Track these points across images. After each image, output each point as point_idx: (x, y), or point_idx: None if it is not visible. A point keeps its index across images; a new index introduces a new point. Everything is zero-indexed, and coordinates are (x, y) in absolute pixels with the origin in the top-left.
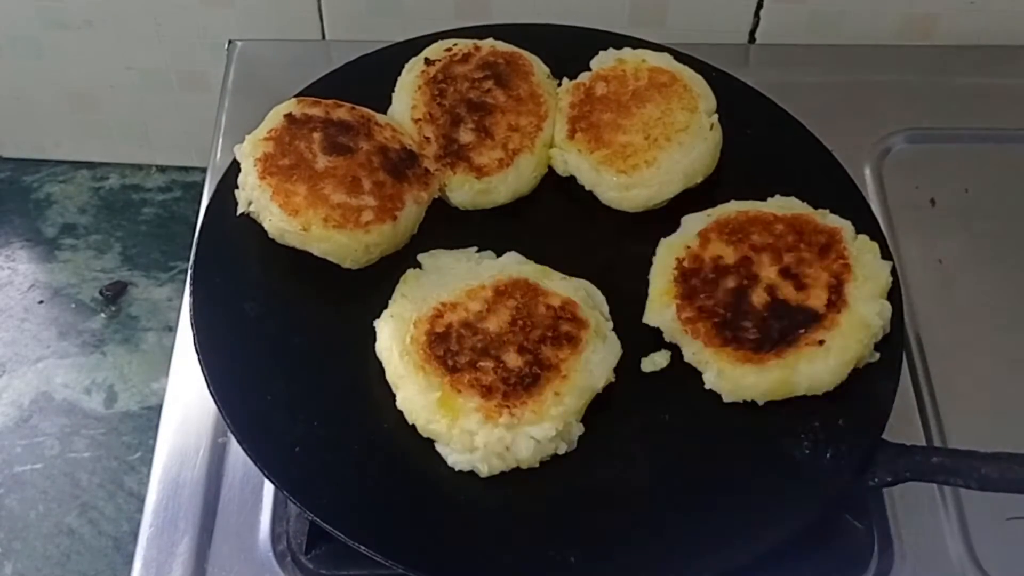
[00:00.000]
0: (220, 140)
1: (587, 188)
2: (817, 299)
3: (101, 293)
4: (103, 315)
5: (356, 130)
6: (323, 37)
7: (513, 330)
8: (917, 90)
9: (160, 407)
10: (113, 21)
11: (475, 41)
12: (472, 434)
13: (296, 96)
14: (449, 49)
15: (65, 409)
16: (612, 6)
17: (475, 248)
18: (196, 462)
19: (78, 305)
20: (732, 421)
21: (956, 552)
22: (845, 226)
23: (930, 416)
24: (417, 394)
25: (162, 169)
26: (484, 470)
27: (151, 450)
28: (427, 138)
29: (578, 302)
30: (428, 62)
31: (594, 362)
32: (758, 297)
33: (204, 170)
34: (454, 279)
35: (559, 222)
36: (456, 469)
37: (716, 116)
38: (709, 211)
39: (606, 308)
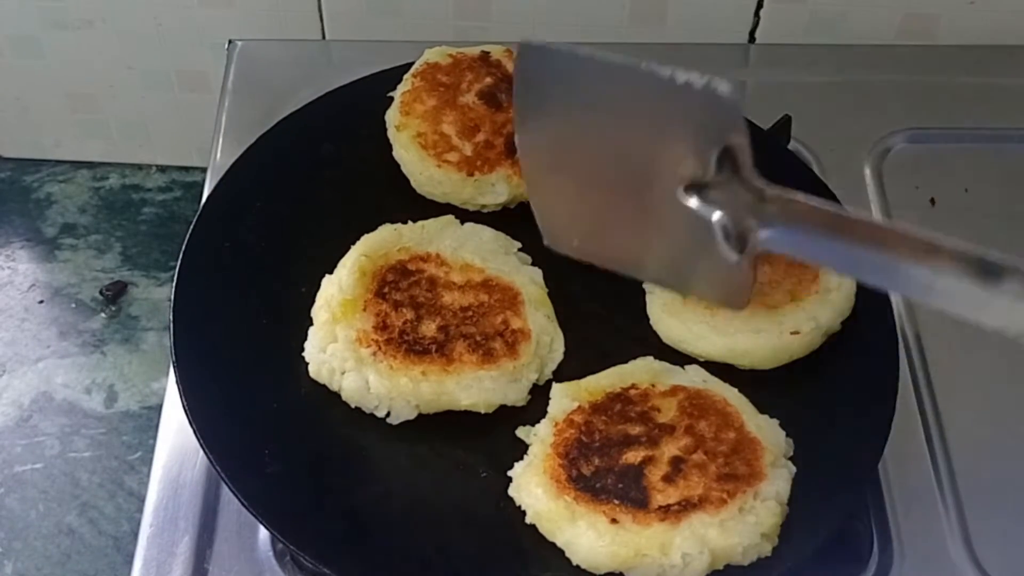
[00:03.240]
0: (220, 140)
1: None
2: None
3: (101, 293)
4: (103, 315)
5: None
6: (323, 37)
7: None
8: (917, 90)
9: (160, 407)
10: (113, 21)
11: None
12: None
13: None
14: None
15: (65, 409)
16: (612, 5)
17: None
18: (196, 462)
19: (78, 305)
20: None
21: (956, 552)
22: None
23: (930, 416)
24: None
25: (162, 169)
26: None
27: (151, 450)
28: None
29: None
30: None
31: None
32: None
33: (204, 170)
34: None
35: None
36: None
37: None
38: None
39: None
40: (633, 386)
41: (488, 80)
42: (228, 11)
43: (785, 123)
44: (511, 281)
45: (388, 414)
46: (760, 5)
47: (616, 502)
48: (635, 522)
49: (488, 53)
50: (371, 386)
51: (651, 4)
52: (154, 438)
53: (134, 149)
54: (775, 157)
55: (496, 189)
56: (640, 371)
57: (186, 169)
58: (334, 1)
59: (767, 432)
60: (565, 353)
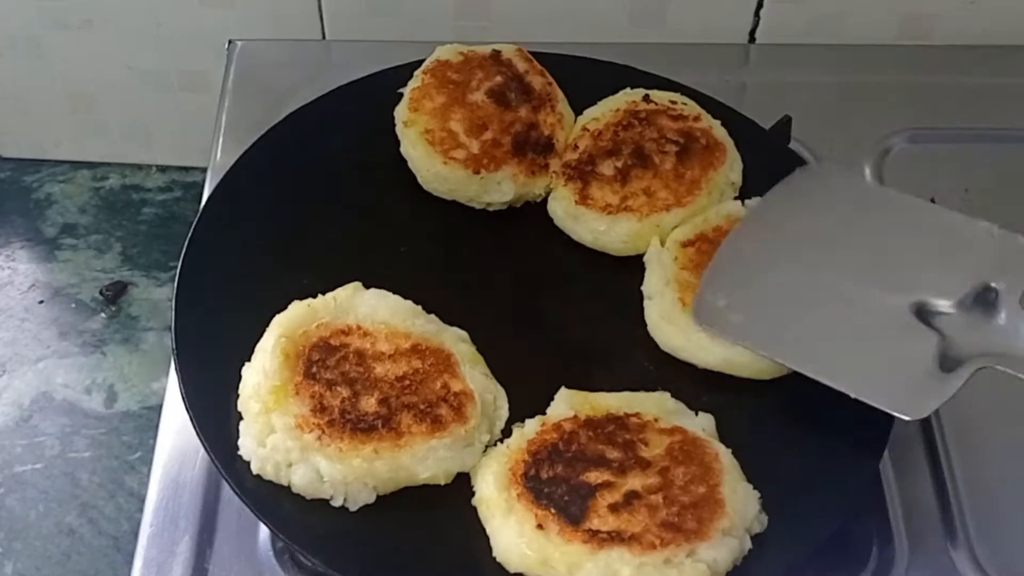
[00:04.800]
0: (220, 140)
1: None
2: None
3: (101, 293)
4: (103, 315)
5: (530, 96)
6: (323, 37)
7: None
8: (917, 90)
9: (160, 407)
10: (113, 21)
11: (703, 111)
12: None
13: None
14: (674, 102)
15: (65, 409)
16: (612, 5)
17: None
18: (196, 462)
19: (78, 305)
20: None
21: (956, 552)
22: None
23: (930, 417)
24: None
25: (162, 169)
26: None
27: (151, 450)
28: (575, 146)
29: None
30: (646, 99)
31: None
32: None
33: (204, 170)
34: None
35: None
36: None
37: None
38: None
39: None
40: (637, 415)
41: (498, 79)
42: (228, 11)
43: (785, 124)
44: (440, 342)
45: (345, 501)
46: (760, 5)
47: (552, 511)
48: (559, 535)
49: (499, 52)
50: (324, 474)
51: (651, 4)
52: (154, 438)
53: (134, 149)
54: (775, 156)
55: (502, 187)
56: (651, 403)
57: (186, 169)
58: (334, 1)
59: (739, 499)
60: (562, 360)
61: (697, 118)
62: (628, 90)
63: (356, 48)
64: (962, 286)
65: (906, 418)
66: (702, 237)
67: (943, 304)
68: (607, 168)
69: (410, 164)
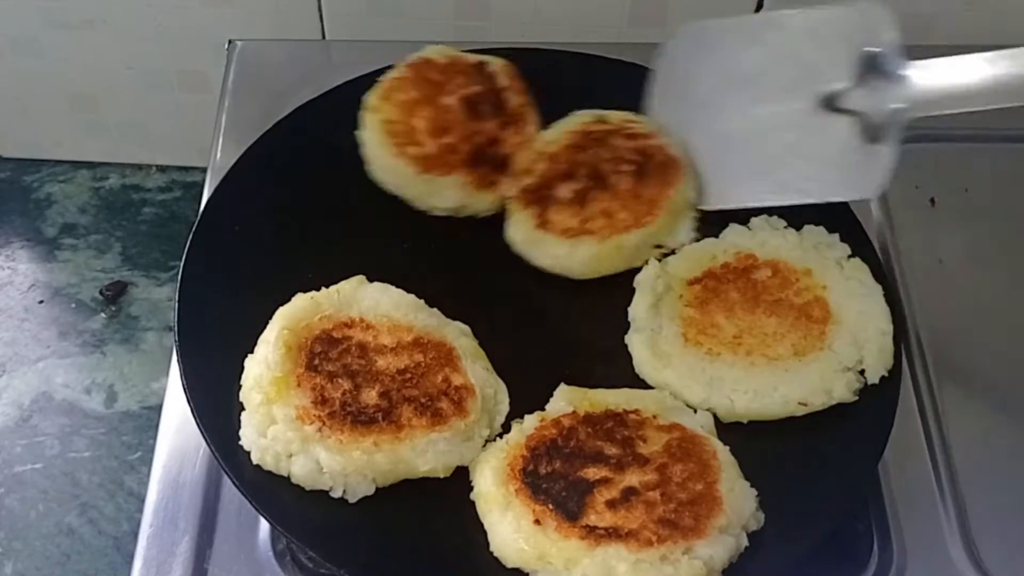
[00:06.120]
0: (220, 140)
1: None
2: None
3: (101, 293)
4: (103, 315)
5: (502, 112)
6: (323, 37)
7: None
8: None
9: (160, 407)
10: (113, 21)
11: (657, 130)
12: None
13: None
14: (630, 121)
15: (65, 409)
16: (612, 5)
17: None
18: (196, 462)
19: (78, 305)
20: None
21: (956, 552)
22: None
23: (930, 416)
24: None
25: (162, 169)
26: None
27: (151, 450)
28: (532, 171)
29: (477, 392)
30: (600, 120)
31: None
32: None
33: (204, 170)
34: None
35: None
36: None
37: None
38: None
39: (501, 417)
40: (636, 411)
41: (476, 88)
42: (228, 11)
43: None
44: (442, 336)
45: (344, 492)
46: (760, 5)
47: (550, 506)
48: (556, 530)
49: (486, 63)
50: (323, 465)
51: (651, 4)
52: (154, 438)
53: (134, 149)
54: None
55: (446, 194)
56: (650, 400)
57: (186, 169)
58: (334, 1)
59: (736, 497)
60: (561, 357)
61: (652, 135)
62: (582, 111)
63: (356, 48)
64: (847, 62)
65: (868, 196)
66: (710, 275)
67: (840, 86)
68: (565, 191)
69: (363, 151)
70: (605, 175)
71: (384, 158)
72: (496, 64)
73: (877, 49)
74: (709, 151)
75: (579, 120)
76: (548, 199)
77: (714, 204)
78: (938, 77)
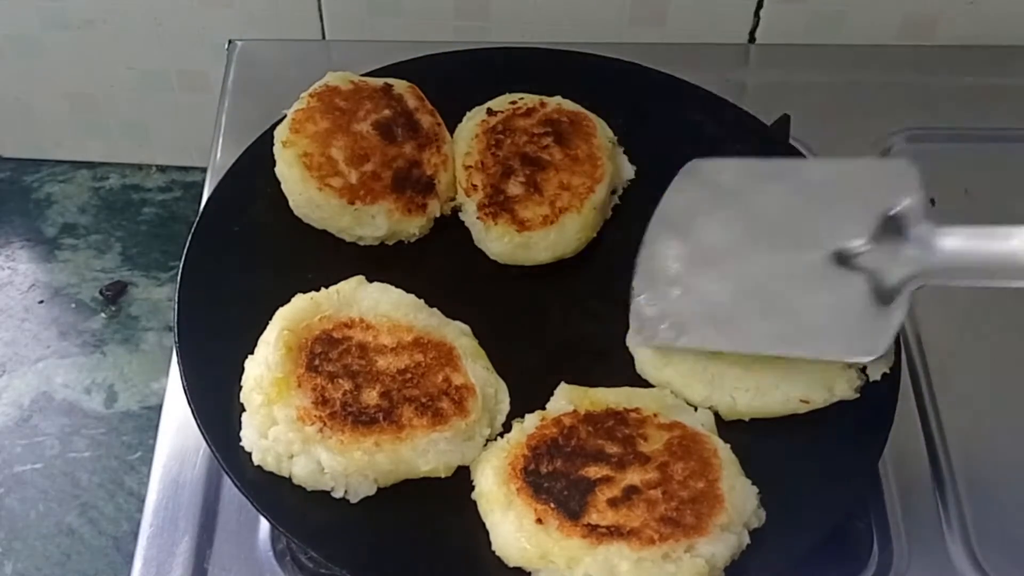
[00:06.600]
0: (220, 140)
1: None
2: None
3: (101, 293)
4: (103, 315)
5: (417, 134)
6: (323, 37)
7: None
8: (917, 90)
9: (160, 407)
10: (113, 21)
11: (542, 97)
12: None
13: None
14: (514, 103)
15: (65, 409)
16: (612, 6)
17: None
18: (196, 462)
19: (78, 305)
20: None
21: (956, 552)
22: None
23: (930, 416)
24: None
25: (162, 169)
26: None
27: (151, 450)
28: (474, 186)
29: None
30: (490, 112)
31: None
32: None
33: (204, 170)
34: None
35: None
36: None
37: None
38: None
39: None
40: (637, 410)
41: (386, 112)
42: (228, 11)
43: (784, 123)
44: (442, 336)
45: (345, 493)
46: (760, 5)
47: (552, 505)
48: (558, 529)
49: (391, 86)
50: (325, 466)
51: (651, 4)
52: (154, 438)
53: (134, 149)
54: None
55: (376, 222)
56: (650, 398)
57: (186, 169)
58: (334, 1)
59: (738, 495)
60: (561, 356)
61: (543, 104)
62: (469, 113)
63: (356, 48)
64: (867, 220)
65: (867, 359)
66: None
67: (857, 243)
68: (515, 188)
69: (284, 187)
70: (535, 155)
71: (307, 193)
72: (400, 86)
73: (901, 210)
74: (701, 291)
75: (473, 123)
76: (508, 202)
77: (696, 344)
78: (964, 247)
